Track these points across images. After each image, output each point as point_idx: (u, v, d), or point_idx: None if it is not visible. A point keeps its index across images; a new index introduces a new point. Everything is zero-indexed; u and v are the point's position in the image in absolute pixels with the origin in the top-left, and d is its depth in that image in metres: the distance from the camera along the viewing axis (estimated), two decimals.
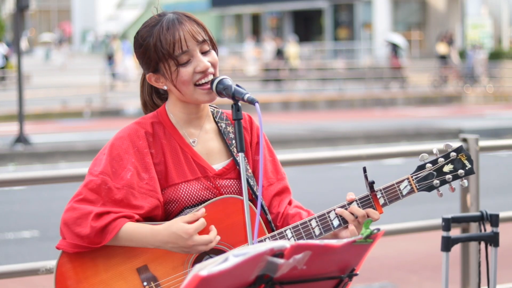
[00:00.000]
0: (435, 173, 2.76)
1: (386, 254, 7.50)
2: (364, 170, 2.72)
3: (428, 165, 2.77)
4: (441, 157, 2.77)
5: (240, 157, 2.60)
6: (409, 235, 6.45)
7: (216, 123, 2.86)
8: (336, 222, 2.73)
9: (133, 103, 23.10)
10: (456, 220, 3.60)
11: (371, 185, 2.72)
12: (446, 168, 2.77)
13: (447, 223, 3.52)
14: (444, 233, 3.60)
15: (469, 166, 2.78)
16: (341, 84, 27.93)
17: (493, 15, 36.34)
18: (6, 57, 30.32)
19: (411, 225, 5.39)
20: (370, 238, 2.17)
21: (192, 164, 2.77)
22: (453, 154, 2.77)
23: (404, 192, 2.75)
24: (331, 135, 17.11)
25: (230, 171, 2.80)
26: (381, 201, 2.74)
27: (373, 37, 40.65)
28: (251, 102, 2.57)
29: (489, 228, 3.62)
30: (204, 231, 2.67)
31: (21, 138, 14.87)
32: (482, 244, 3.63)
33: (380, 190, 2.74)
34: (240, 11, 45.62)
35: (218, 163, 2.81)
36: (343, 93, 26.94)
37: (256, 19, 47.37)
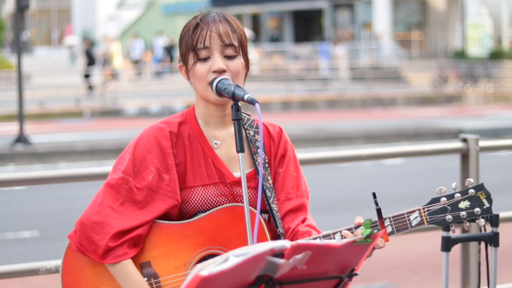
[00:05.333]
0: (449, 207, 2.68)
1: (386, 254, 7.49)
2: (374, 195, 2.65)
3: (443, 199, 2.68)
4: (458, 192, 2.69)
5: (240, 157, 2.59)
6: (409, 235, 6.42)
7: (245, 129, 2.84)
8: None
9: (133, 103, 23.11)
10: None
11: (379, 211, 2.65)
12: (462, 205, 2.68)
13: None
14: (444, 233, 3.60)
15: (487, 205, 2.69)
16: (341, 84, 27.92)
17: (493, 15, 36.31)
18: (167, 50, 29.37)
19: None
20: (370, 238, 2.17)
21: (212, 168, 2.77)
22: (471, 191, 2.69)
23: (414, 223, 2.67)
24: (331, 135, 17.09)
25: (250, 180, 2.79)
26: (389, 229, 2.67)
27: (373, 37, 40.64)
28: (251, 102, 2.57)
29: (489, 228, 3.62)
30: None
31: (21, 138, 14.86)
32: (482, 244, 3.62)
33: (389, 218, 2.67)
34: (240, 11, 45.56)
35: (239, 171, 2.77)
36: (343, 93, 26.92)
37: (256, 19, 47.36)
